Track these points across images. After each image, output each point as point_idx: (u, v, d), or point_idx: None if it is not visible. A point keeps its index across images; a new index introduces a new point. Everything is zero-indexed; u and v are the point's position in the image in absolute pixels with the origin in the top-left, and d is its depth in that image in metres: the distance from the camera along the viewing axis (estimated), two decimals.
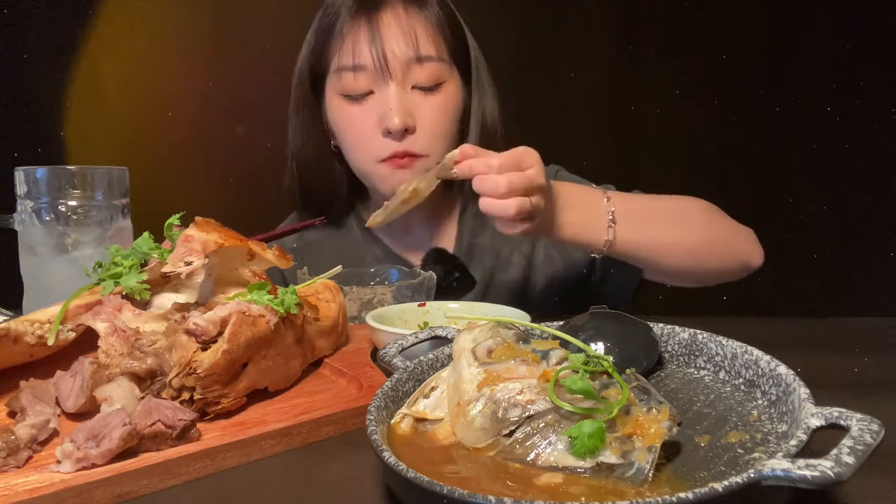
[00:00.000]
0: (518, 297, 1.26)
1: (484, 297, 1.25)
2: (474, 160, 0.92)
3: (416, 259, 1.27)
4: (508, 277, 1.27)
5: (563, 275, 1.27)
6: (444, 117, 1.18)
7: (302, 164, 1.28)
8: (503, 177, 0.89)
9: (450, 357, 0.62)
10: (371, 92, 1.16)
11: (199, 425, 0.60)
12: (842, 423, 0.44)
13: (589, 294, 1.28)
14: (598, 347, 0.65)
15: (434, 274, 1.09)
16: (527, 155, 0.93)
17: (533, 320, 0.79)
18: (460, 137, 1.24)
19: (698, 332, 0.66)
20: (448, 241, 1.29)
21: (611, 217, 1.01)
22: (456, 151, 0.94)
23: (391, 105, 1.13)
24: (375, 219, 0.99)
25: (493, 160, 0.91)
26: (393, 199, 0.98)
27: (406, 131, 1.15)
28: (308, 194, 1.29)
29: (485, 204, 0.91)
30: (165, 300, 0.75)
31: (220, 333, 0.64)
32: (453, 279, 1.22)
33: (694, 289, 1.21)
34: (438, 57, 1.16)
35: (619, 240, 1.01)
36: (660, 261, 1.08)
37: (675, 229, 1.08)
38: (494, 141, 1.23)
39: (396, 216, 0.99)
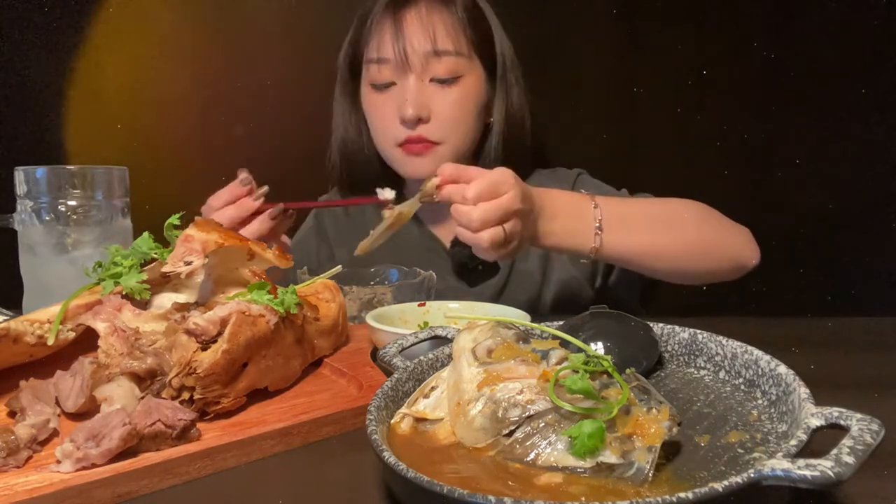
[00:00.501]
0: (535, 288, 1.30)
1: (505, 286, 1.30)
2: (453, 189, 0.95)
3: (447, 239, 1.34)
4: (528, 267, 1.31)
5: (575, 272, 1.30)
6: (460, 108, 1.25)
7: (343, 146, 1.38)
8: (476, 210, 0.92)
9: (450, 357, 0.62)
10: (394, 83, 1.25)
11: (199, 425, 0.60)
12: (842, 423, 0.44)
13: (602, 289, 1.31)
14: (598, 347, 0.65)
15: (433, 274, 1.10)
16: (502, 181, 0.94)
17: (533, 320, 0.79)
18: (485, 128, 1.32)
19: (698, 332, 0.66)
20: None
21: (598, 225, 1.03)
22: (436, 179, 0.96)
23: (407, 96, 1.22)
24: (363, 247, 1.01)
25: (468, 191, 0.93)
26: (379, 227, 1.01)
27: (420, 120, 1.23)
28: (349, 174, 1.39)
29: (460, 233, 0.95)
30: (165, 300, 0.75)
31: (220, 333, 0.64)
32: (479, 262, 1.27)
33: (694, 289, 1.22)
34: (456, 52, 1.23)
35: (605, 246, 1.03)
36: (651, 264, 1.10)
37: (667, 233, 1.09)
38: (521, 133, 1.32)
39: (382, 241, 1.01)
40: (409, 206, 1.00)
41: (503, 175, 0.95)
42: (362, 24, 1.28)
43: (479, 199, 0.93)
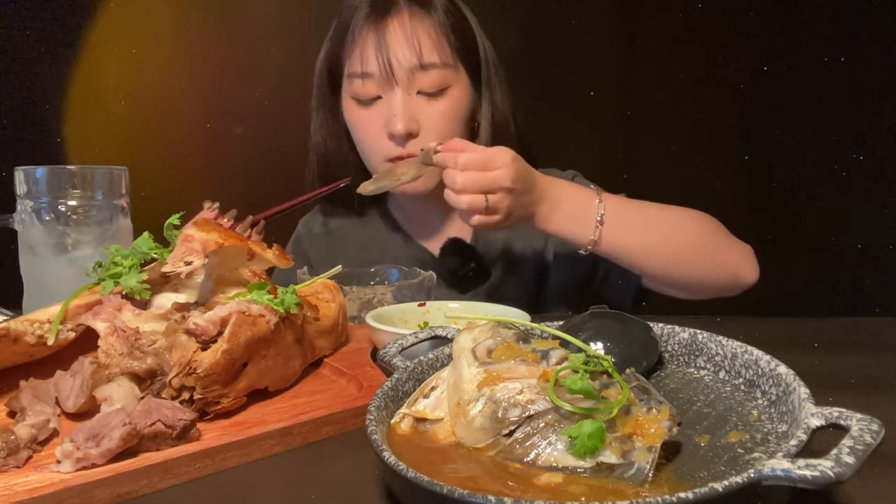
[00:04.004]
0: (529, 292, 1.29)
1: (497, 290, 1.28)
2: (447, 154, 1.01)
3: (434, 248, 1.31)
4: (521, 271, 1.30)
5: (571, 273, 1.29)
6: (449, 120, 1.22)
7: (322, 158, 1.33)
8: (461, 175, 0.98)
9: (450, 357, 0.62)
10: (379, 97, 1.21)
11: (199, 425, 0.60)
12: (842, 423, 0.44)
13: (595, 293, 1.30)
14: (598, 347, 0.65)
15: (433, 274, 1.10)
16: (498, 157, 0.99)
17: (533, 320, 0.79)
18: (471, 135, 1.29)
19: (698, 332, 0.66)
20: (465, 231, 1.32)
21: (599, 219, 1.05)
22: (435, 144, 1.03)
23: (395, 111, 1.18)
24: (366, 187, 1.11)
25: (460, 157, 0.99)
26: (383, 174, 1.11)
27: (409, 135, 1.20)
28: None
29: (445, 195, 1.02)
30: (165, 300, 0.75)
31: (220, 333, 0.64)
32: (469, 269, 1.27)
33: None
34: (442, 63, 1.20)
35: (604, 241, 1.06)
36: (644, 263, 1.10)
37: (664, 235, 1.10)
38: (507, 137, 1.28)
39: (386, 190, 1.13)
40: (416, 168, 1.07)
41: (499, 152, 1.00)
42: (342, 36, 1.23)
43: (468, 168, 0.99)
